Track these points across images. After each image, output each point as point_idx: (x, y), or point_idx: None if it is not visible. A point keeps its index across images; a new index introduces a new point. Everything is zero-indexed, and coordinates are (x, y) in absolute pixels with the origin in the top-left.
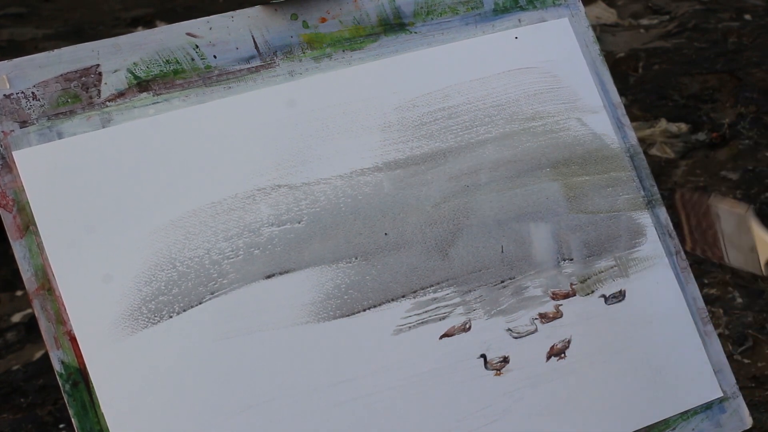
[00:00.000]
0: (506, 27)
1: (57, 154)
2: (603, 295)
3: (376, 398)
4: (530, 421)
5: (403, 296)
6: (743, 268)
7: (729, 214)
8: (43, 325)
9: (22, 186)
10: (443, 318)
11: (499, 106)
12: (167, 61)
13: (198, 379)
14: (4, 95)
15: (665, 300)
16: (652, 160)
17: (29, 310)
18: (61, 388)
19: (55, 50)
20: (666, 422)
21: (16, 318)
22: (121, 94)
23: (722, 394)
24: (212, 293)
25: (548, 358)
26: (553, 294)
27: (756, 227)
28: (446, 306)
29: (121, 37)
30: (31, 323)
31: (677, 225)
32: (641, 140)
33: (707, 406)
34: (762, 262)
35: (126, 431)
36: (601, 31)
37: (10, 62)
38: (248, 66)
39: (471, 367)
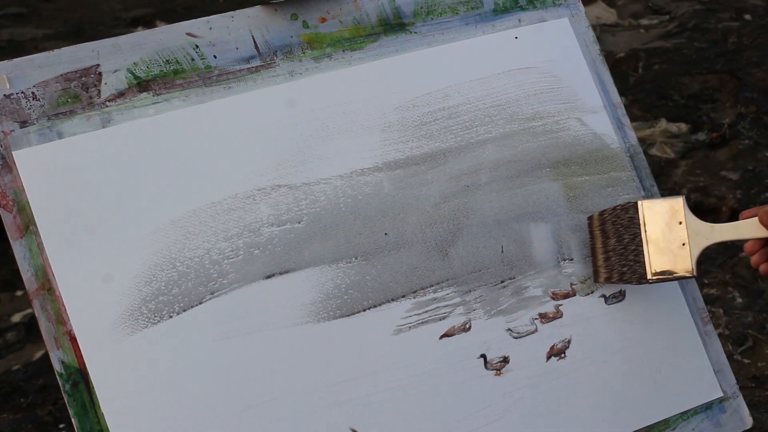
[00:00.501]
0: (506, 27)
1: (57, 154)
2: (603, 295)
3: (376, 398)
4: (530, 421)
5: (403, 296)
6: (668, 278)
7: (660, 209)
8: (43, 325)
9: (22, 186)
10: (443, 318)
11: (499, 106)
12: (167, 61)
13: (198, 379)
14: (4, 95)
15: (665, 300)
16: (652, 160)
17: (29, 310)
18: (61, 388)
19: (55, 50)
20: (666, 422)
21: (16, 318)
22: (121, 94)
23: (722, 394)
24: (212, 293)
25: (548, 358)
26: (553, 294)
27: (690, 216)
28: (446, 306)
29: (121, 37)
30: (31, 323)
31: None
32: (641, 140)
33: (707, 406)
34: (694, 257)
35: (126, 431)
36: (601, 31)
37: (10, 62)
38: (248, 66)
39: (471, 367)
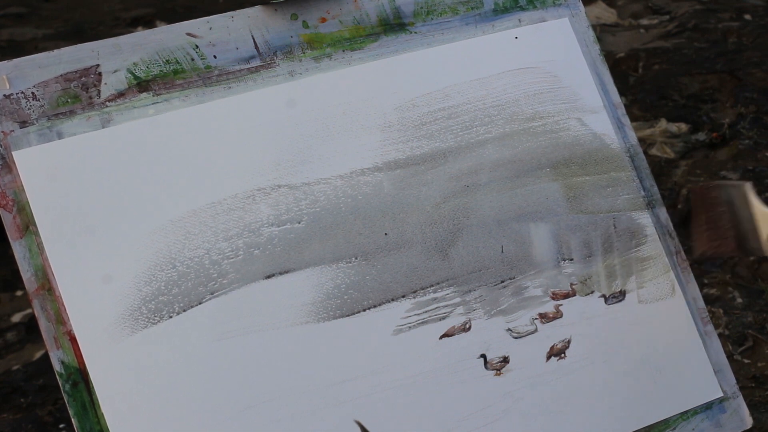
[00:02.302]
0: (506, 27)
1: (57, 154)
2: (603, 295)
3: (376, 398)
4: (530, 421)
5: (403, 296)
6: (759, 253)
7: (733, 192)
8: (43, 325)
9: (22, 186)
10: (443, 318)
11: (499, 106)
12: (167, 61)
13: (198, 379)
14: (4, 95)
15: (665, 300)
16: (652, 160)
17: (29, 310)
18: (61, 388)
19: (55, 50)
20: (666, 422)
21: (16, 318)
22: (121, 94)
23: (722, 394)
24: (212, 293)
25: (548, 358)
26: (553, 294)
27: (756, 201)
28: (446, 306)
29: (121, 37)
30: (31, 323)
31: (678, 227)
32: (641, 140)
33: (707, 406)
34: (763, 238)
35: (126, 431)
36: (601, 31)
37: (10, 62)
38: (248, 66)
39: (471, 367)
